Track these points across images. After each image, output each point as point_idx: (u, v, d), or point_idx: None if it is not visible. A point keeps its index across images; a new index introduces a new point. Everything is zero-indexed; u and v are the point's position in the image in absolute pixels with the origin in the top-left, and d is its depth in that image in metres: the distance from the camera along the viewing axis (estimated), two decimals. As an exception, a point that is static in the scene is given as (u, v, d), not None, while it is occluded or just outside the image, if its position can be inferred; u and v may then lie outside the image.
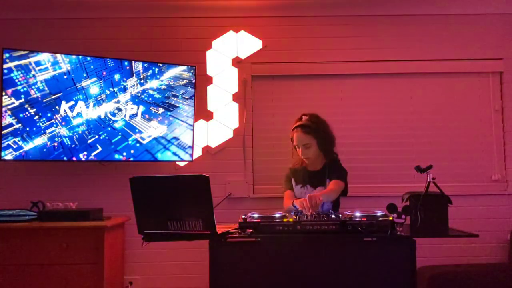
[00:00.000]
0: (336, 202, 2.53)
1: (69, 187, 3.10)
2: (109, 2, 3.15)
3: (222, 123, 3.22)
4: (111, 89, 2.93)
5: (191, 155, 3.07)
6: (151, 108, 3.01)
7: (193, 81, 3.09)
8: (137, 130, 2.98)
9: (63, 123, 2.84)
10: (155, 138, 3.01)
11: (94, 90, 2.90)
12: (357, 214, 1.80)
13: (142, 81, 2.99)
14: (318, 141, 2.47)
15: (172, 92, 3.05)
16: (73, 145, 2.85)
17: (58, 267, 2.59)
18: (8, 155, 2.75)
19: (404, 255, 1.77)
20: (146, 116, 3.00)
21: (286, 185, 2.62)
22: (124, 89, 2.96)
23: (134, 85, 2.98)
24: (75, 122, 2.86)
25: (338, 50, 3.27)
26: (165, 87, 3.04)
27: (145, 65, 3.00)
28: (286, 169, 2.68)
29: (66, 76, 2.85)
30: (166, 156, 3.03)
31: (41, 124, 2.80)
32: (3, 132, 2.73)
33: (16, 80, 2.75)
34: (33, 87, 2.78)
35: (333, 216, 1.84)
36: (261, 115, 3.26)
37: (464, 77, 3.29)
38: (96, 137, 2.90)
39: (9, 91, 2.74)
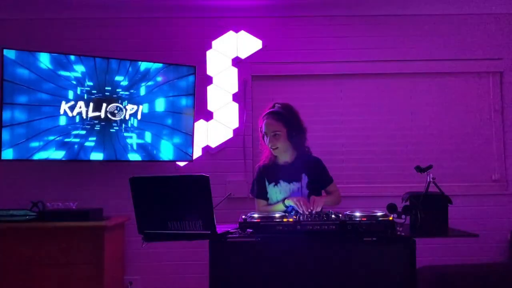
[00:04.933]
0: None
1: (69, 187, 3.10)
2: (109, 2, 3.14)
3: (222, 123, 3.21)
4: (111, 89, 2.93)
5: (191, 155, 3.07)
6: (151, 108, 3.01)
7: (193, 81, 3.09)
8: (137, 130, 2.98)
9: (63, 123, 2.84)
10: (155, 138, 3.01)
11: (95, 90, 2.90)
12: (357, 214, 1.80)
13: (142, 81, 2.99)
14: (288, 130, 2.23)
15: (172, 92, 3.05)
16: (73, 145, 2.85)
17: (58, 267, 2.59)
18: (8, 155, 2.74)
19: (404, 255, 1.77)
20: (146, 116, 3.00)
21: (258, 191, 2.32)
22: (124, 89, 2.96)
23: (134, 85, 2.98)
24: (75, 122, 2.86)
25: (338, 50, 3.27)
26: (165, 87, 3.03)
27: (144, 65, 2.99)
28: (257, 168, 2.38)
29: (66, 76, 2.85)
30: (166, 156, 3.02)
31: (41, 124, 2.80)
32: (3, 132, 2.73)
33: (16, 80, 2.75)
34: (33, 87, 2.78)
35: (333, 216, 1.83)
36: (261, 115, 3.25)
37: (464, 77, 3.29)
38: (96, 137, 2.90)
39: (9, 90, 2.74)
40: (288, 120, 2.25)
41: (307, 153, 2.35)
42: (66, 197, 2.99)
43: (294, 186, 2.25)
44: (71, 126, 2.85)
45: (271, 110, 2.31)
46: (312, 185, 2.27)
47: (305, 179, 2.27)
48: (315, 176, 2.29)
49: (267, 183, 2.31)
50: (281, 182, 2.27)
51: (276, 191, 2.28)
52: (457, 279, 2.77)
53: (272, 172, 2.30)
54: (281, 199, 2.24)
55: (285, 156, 2.32)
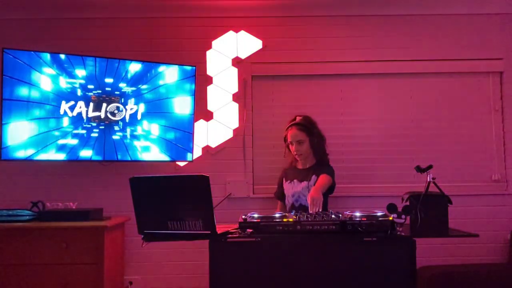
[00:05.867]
0: (324, 201, 2.57)
1: (69, 187, 3.10)
2: (109, 2, 3.15)
3: (222, 123, 3.22)
4: (111, 89, 2.93)
5: (191, 155, 3.07)
6: (150, 108, 3.01)
7: (193, 81, 3.09)
8: (137, 130, 2.98)
9: (63, 123, 2.84)
10: (155, 138, 3.01)
11: (95, 90, 2.90)
12: (357, 214, 1.80)
13: (142, 81, 2.99)
14: (310, 138, 2.72)
15: (172, 92, 3.05)
16: (73, 145, 2.85)
17: (58, 267, 2.59)
18: (8, 155, 2.74)
19: (404, 255, 1.77)
20: (146, 115, 3.00)
21: (277, 191, 2.91)
22: (124, 89, 2.96)
23: (134, 85, 2.98)
24: (75, 122, 2.86)
25: (338, 50, 3.27)
26: (165, 86, 3.04)
27: (145, 65, 3.00)
28: (281, 170, 2.93)
29: (66, 75, 2.85)
30: (166, 156, 3.03)
31: (41, 124, 2.80)
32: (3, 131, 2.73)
33: (16, 80, 2.75)
34: (33, 87, 2.78)
35: (333, 216, 1.84)
36: (261, 115, 3.26)
37: (464, 77, 3.29)
38: (96, 137, 2.90)
39: (9, 90, 2.74)
40: (309, 129, 2.73)
41: (324, 161, 2.78)
42: (66, 197, 2.99)
43: (304, 184, 2.69)
44: (71, 126, 2.85)
45: (294, 122, 2.77)
46: None
47: (314, 179, 2.66)
48: (320, 172, 2.65)
49: (284, 181, 2.83)
50: (295, 181, 2.74)
51: (289, 187, 2.76)
52: (457, 279, 2.77)
53: (291, 173, 2.81)
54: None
55: (306, 162, 2.79)
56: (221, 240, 1.78)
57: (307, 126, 2.73)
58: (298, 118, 2.79)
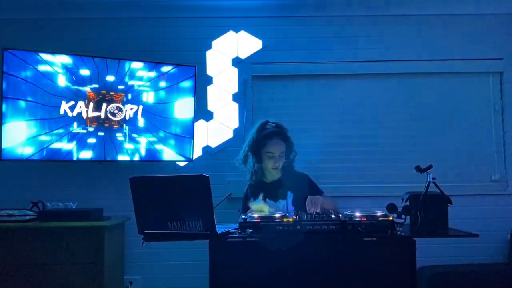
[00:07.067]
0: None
1: (69, 187, 3.10)
2: (109, 2, 3.15)
3: (222, 123, 3.22)
4: (111, 89, 2.93)
5: (191, 155, 3.07)
6: (151, 108, 3.01)
7: (193, 81, 3.09)
8: (137, 130, 2.98)
9: (63, 123, 2.84)
10: (155, 138, 3.01)
11: (94, 89, 2.90)
12: (357, 214, 1.80)
13: (142, 81, 2.99)
14: (287, 149, 2.38)
15: (172, 92, 3.05)
16: (73, 145, 2.85)
17: (58, 267, 2.59)
18: (9, 155, 2.74)
19: (404, 255, 1.77)
20: (146, 116, 3.00)
21: (243, 208, 2.45)
22: (124, 89, 2.96)
23: (134, 85, 2.98)
24: (75, 122, 2.86)
25: (338, 50, 3.27)
26: (165, 87, 3.04)
27: (145, 65, 2.99)
28: (245, 187, 2.54)
29: (66, 76, 2.85)
30: (166, 156, 3.02)
31: (41, 124, 2.79)
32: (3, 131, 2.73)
33: (16, 80, 2.75)
34: (33, 87, 2.78)
35: (333, 216, 1.84)
36: (261, 115, 3.24)
37: (464, 77, 3.29)
38: (96, 137, 2.90)
39: (9, 90, 2.74)
40: (287, 139, 2.37)
41: (291, 167, 2.44)
42: (66, 197, 2.99)
43: (280, 204, 2.35)
44: (71, 126, 2.85)
45: (275, 130, 2.37)
46: (299, 202, 2.30)
47: (290, 196, 2.36)
48: (302, 193, 2.30)
49: (252, 199, 2.34)
50: (268, 200, 2.30)
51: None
52: (457, 279, 2.77)
53: (259, 190, 2.30)
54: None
55: (275, 173, 2.41)
56: (221, 240, 1.78)
57: (285, 135, 2.37)
58: (273, 125, 2.42)
